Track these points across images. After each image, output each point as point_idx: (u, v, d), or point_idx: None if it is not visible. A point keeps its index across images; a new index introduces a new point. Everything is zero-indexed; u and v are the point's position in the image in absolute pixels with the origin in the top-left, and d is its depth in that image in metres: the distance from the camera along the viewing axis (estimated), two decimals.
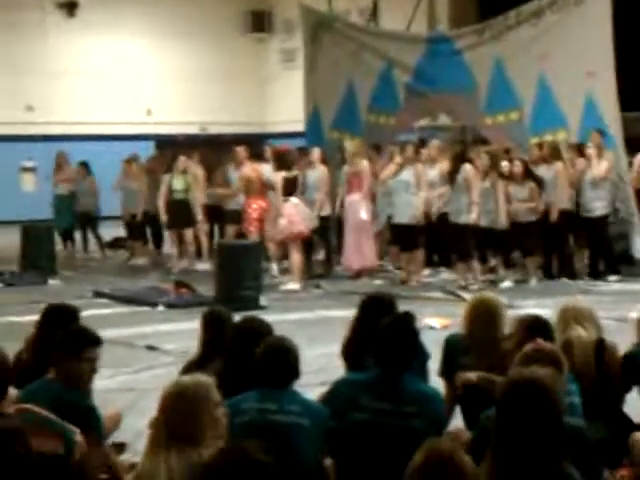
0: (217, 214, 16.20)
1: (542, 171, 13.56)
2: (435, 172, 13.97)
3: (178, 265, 15.57)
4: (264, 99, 27.31)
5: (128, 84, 25.60)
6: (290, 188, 13.61)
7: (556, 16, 15.13)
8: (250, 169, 14.56)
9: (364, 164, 14.42)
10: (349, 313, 10.96)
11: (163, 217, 15.65)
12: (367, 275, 14.25)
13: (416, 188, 13.50)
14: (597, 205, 13.48)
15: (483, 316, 5.76)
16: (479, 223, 12.93)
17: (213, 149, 18.03)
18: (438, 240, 14.09)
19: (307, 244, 14.12)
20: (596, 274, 13.58)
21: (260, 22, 27.07)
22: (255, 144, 17.15)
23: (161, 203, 15.59)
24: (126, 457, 5.84)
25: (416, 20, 19.33)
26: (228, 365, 5.24)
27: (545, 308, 9.44)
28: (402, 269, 14.04)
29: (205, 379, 4.18)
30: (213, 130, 26.18)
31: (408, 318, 5.27)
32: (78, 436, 4.43)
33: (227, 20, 26.66)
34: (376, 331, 5.03)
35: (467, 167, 13.01)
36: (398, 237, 14.02)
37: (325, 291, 13.43)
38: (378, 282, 13.91)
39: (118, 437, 6.06)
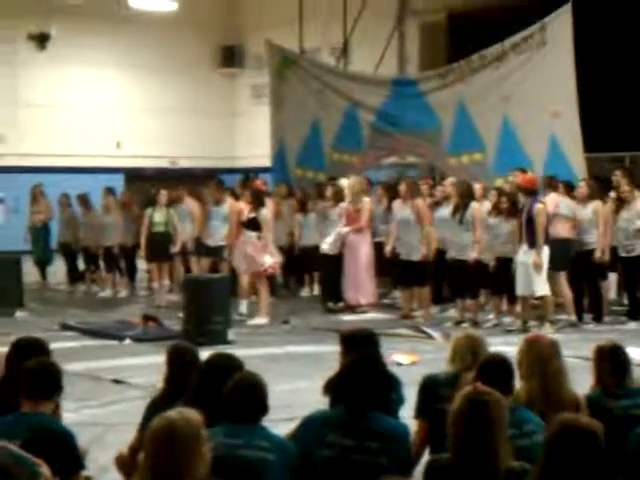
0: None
1: (578, 210, 13.28)
2: (450, 209, 13.58)
3: (161, 298, 15.58)
4: (234, 134, 27.38)
5: (98, 117, 25.56)
6: (256, 224, 13.68)
7: (519, 58, 15.33)
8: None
9: (365, 201, 14.57)
10: (317, 349, 11.18)
11: (144, 250, 15.69)
12: (366, 310, 14.35)
13: (417, 224, 13.63)
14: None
15: (472, 351, 5.76)
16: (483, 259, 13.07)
17: (182, 183, 18.06)
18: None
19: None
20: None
21: (231, 57, 27.19)
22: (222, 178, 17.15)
23: (143, 236, 15.62)
24: None
25: (386, 60, 19.52)
26: (195, 400, 5.21)
27: (512, 345, 9.49)
28: (404, 305, 14.16)
29: (195, 414, 4.10)
30: (183, 164, 26.22)
31: (374, 355, 5.30)
32: (43, 468, 4.41)
33: (198, 54, 26.74)
34: (342, 368, 5.06)
35: (475, 205, 13.16)
36: (402, 274, 14.07)
37: (293, 327, 13.45)
38: (350, 317, 13.94)
39: (82, 472, 6.03)
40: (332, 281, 15.00)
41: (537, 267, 12.27)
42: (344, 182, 15.34)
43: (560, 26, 14.93)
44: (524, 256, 12.42)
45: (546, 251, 12.44)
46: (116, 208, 16.98)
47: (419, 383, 6.00)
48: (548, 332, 11.76)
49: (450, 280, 13.75)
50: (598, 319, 13.28)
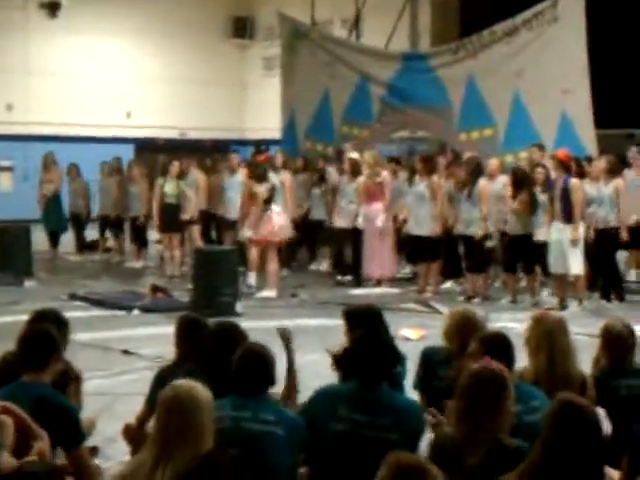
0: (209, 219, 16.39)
1: (599, 187, 12.91)
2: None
3: (172, 268, 15.57)
4: (244, 105, 27.34)
5: (108, 86, 25.54)
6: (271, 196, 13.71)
7: (530, 35, 15.24)
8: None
9: (385, 175, 14.49)
10: (327, 322, 11.18)
11: (156, 221, 15.69)
12: (387, 284, 14.29)
13: (431, 200, 13.58)
14: None
15: (464, 329, 5.77)
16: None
17: (192, 154, 18.03)
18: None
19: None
20: None
21: (242, 28, 27.11)
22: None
23: (155, 207, 15.62)
24: (97, 462, 5.82)
25: (398, 33, 19.40)
26: (204, 371, 5.21)
27: (519, 322, 9.52)
28: (420, 280, 14.03)
29: (201, 386, 4.16)
30: (192, 135, 26.19)
31: (381, 330, 5.30)
32: (44, 442, 4.41)
33: (209, 25, 26.67)
34: (351, 343, 5.07)
35: (483, 182, 13.08)
36: (414, 248, 14.04)
37: (301, 300, 13.46)
38: (359, 292, 13.93)
39: (89, 441, 6.05)
40: (342, 255, 14.98)
41: (574, 243, 12.15)
42: (353, 155, 15.20)
43: (572, 2, 14.84)
44: (557, 233, 12.24)
45: (581, 227, 12.32)
46: (141, 178, 16.95)
47: (419, 356, 6.07)
48: (575, 311, 11.88)
49: (458, 255, 13.72)
50: (621, 298, 13.00)
